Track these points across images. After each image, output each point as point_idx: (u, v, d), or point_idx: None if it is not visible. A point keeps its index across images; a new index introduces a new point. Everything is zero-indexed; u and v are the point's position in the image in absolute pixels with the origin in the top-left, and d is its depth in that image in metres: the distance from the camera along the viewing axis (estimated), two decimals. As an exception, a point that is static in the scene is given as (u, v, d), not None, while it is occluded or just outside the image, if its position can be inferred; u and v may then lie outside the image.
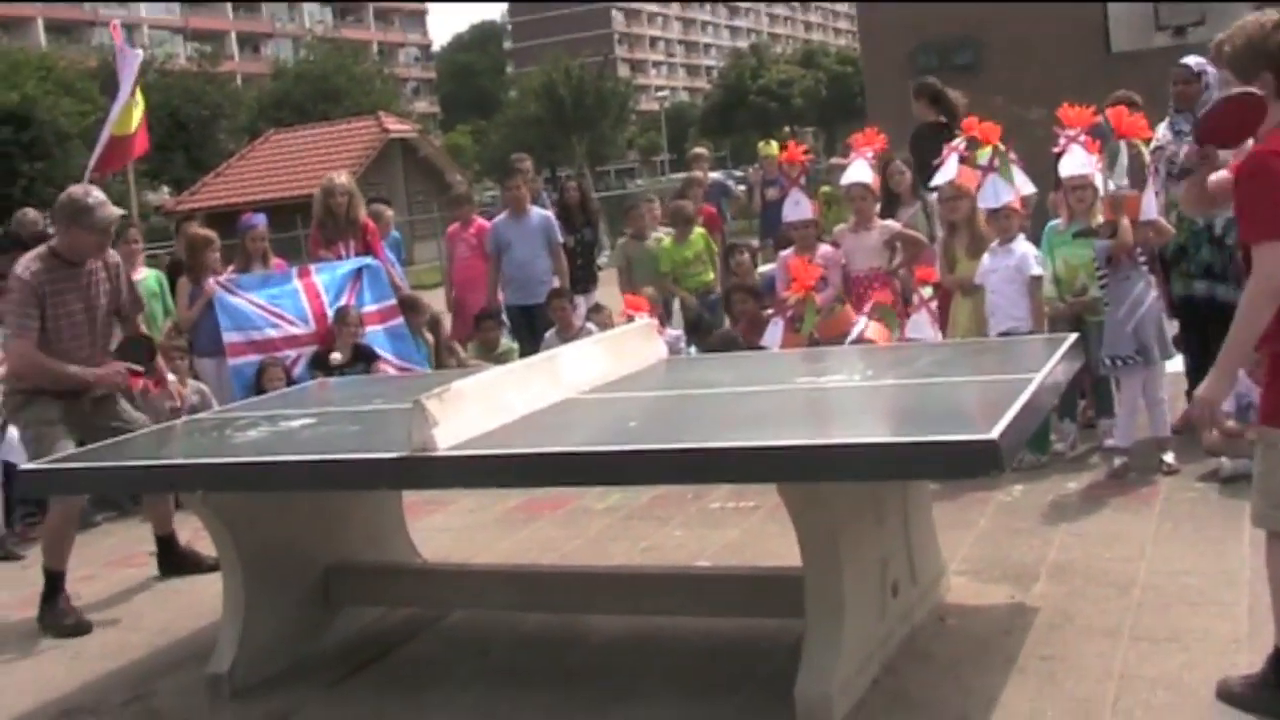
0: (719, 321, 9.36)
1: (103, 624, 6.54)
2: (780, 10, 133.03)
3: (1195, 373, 7.38)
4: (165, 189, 50.01)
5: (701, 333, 9.32)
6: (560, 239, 10.74)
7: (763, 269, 9.72)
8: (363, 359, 9.13)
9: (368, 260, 9.79)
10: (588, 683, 5.06)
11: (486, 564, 6.55)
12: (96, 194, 6.55)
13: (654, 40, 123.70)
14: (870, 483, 4.58)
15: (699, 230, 10.89)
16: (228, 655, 5.35)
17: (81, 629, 6.44)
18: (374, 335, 9.50)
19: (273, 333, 9.27)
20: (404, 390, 6.17)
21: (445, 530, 7.41)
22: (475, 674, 5.32)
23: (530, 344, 9.88)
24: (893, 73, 13.88)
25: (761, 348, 8.26)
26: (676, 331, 9.24)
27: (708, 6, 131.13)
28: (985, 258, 7.50)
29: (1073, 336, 5.53)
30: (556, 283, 10.54)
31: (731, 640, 5.30)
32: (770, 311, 8.76)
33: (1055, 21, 13.68)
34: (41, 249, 6.55)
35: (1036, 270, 7.34)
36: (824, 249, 8.68)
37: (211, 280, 9.33)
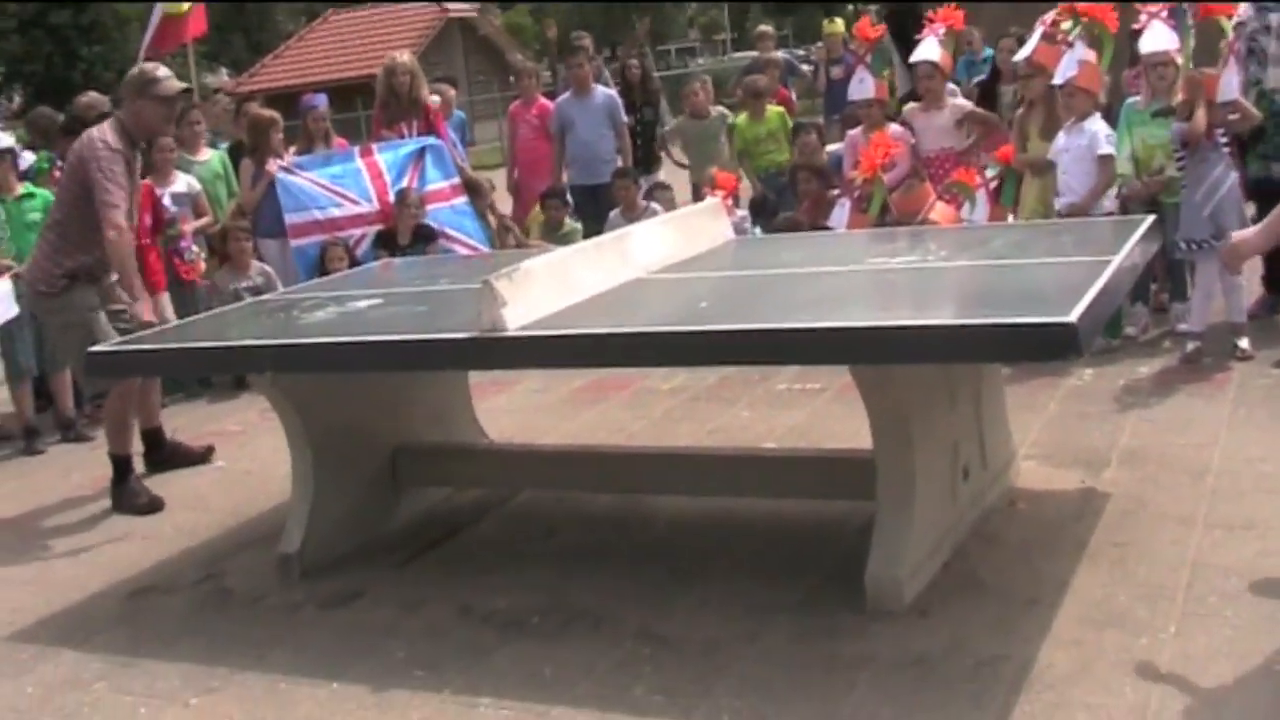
0: (789, 203, 9.24)
1: (173, 506, 6.62)
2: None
3: (1271, 258, 7.24)
4: (224, 71, 49.95)
5: (767, 214, 9.21)
6: (624, 118, 10.62)
7: (830, 148, 9.57)
8: (423, 239, 9.10)
9: (430, 140, 9.73)
10: (656, 564, 5.06)
11: (554, 445, 6.55)
12: (163, 69, 6.49)
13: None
14: (944, 366, 4.52)
15: (776, 108, 10.71)
16: (297, 535, 5.39)
17: (155, 506, 6.53)
18: (438, 213, 9.47)
19: (336, 212, 9.26)
20: (470, 270, 6.14)
21: (510, 411, 7.42)
22: (543, 555, 5.34)
23: (594, 224, 9.81)
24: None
25: (826, 228, 8.17)
26: (742, 212, 9.13)
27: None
28: (1060, 136, 7.34)
29: (1150, 218, 5.39)
30: (620, 162, 10.44)
31: (799, 523, 5.29)
32: (836, 192, 8.65)
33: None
34: (110, 121, 6.45)
35: (1105, 149, 7.17)
36: (893, 128, 8.54)
37: (273, 162, 9.30)
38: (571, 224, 10.07)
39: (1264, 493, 4.98)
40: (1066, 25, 7.46)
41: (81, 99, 10.31)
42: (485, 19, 43.94)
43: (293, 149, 9.84)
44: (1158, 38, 7.20)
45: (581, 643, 4.43)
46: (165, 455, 7.26)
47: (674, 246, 5.72)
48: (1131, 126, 7.31)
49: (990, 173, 8.08)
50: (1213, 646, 3.91)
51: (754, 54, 15.23)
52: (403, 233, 9.13)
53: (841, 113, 10.70)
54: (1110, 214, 6.97)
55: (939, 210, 7.57)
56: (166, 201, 8.93)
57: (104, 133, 6.35)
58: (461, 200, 9.72)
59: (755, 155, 10.43)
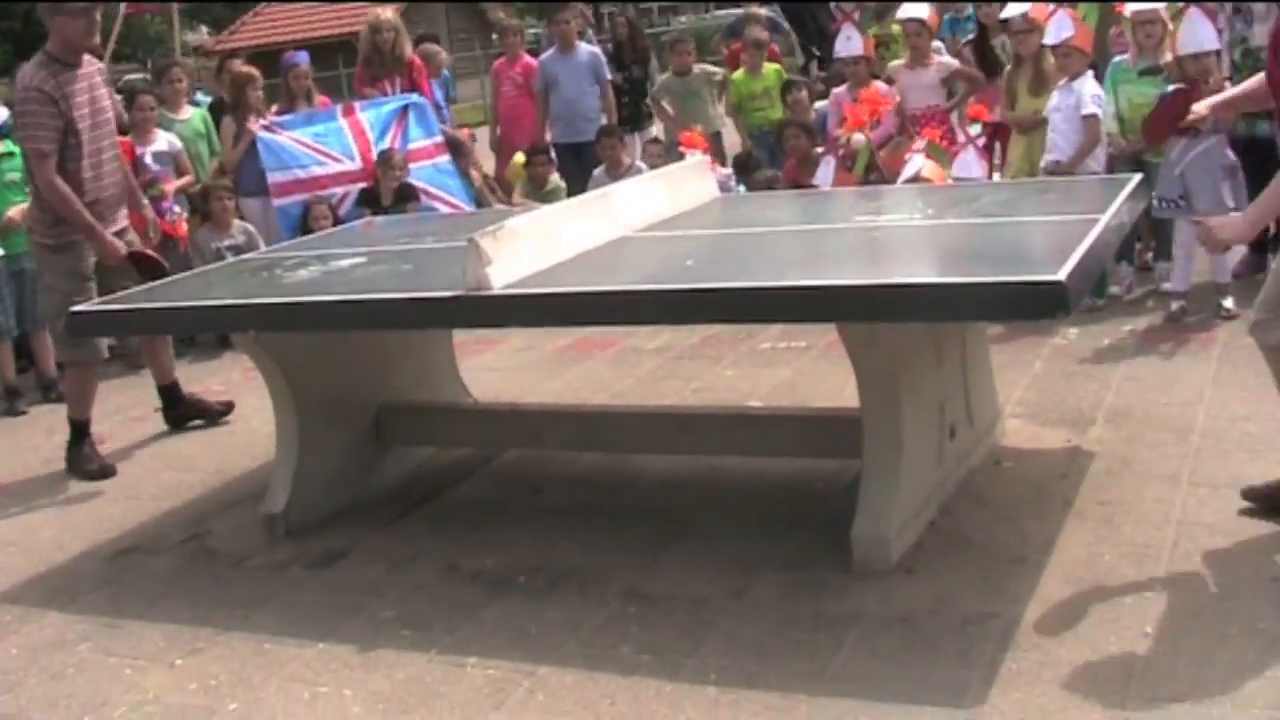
0: (778, 161, 9.21)
1: (156, 466, 6.62)
2: None
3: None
4: (204, 29, 49.53)
5: (751, 170, 9.18)
6: (609, 75, 10.55)
7: (815, 106, 9.53)
8: (404, 199, 9.05)
9: (413, 97, 9.67)
10: (642, 522, 5.06)
11: (539, 403, 6.54)
12: None
13: None
14: (931, 324, 4.51)
15: (773, 66, 10.63)
16: (282, 495, 5.38)
17: (106, 473, 6.49)
18: (421, 170, 9.42)
19: (318, 170, 9.20)
20: (455, 228, 6.11)
21: (494, 370, 7.40)
22: (529, 513, 5.33)
23: (578, 182, 9.77)
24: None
25: (812, 186, 8.15)
26: (726, 170, 9.11)
27: None
28: (1054, 94, 7.31)
29: (1137, 177, 5.38)
30: (604, 120, 10.39)
31: (786, 481, 5.29)
32: (821, 150, 8.63)
33: None
34: (36, 56, 6.19)
35: (1090, 109, 7.14)
36: (879, 86, 8.51)
37: (254, 121, 9.23)
38: (556, 182, 10.02)
39: (1248, 451, 4.98)
40: None
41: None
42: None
43: (274, 107, 9.76)
44: (1144, -4, 7.18)
45: (568, 601, 4.43)
46: (184, 410, 7.21)
47: (659, 204, 5.69)
48: (1118, 85, 7.29)
49: (974, 129, 8.05)
50: (1198, 605, 3.92)
51: (738, 10, 15.15)
52: (385, 193, 9.08)
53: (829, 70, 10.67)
54: (1095, 174, 6.95)
55: (929, 168, 7.55)
56: (148, 160, 8.86)
57: (24, 73, 6.18)
58: (445, 158, 9.66)
59: (748, 111, 10.37)
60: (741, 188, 8.64)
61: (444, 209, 9.21)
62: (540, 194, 9.70)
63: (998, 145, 8.30)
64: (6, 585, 5.23)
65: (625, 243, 5.17)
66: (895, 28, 9.89)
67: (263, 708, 4.01)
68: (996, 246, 4.56)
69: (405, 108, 9.55)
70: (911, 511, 4.51)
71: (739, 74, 10.53)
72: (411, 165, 9.37)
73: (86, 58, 6.33)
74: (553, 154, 10.40)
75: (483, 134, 12.01)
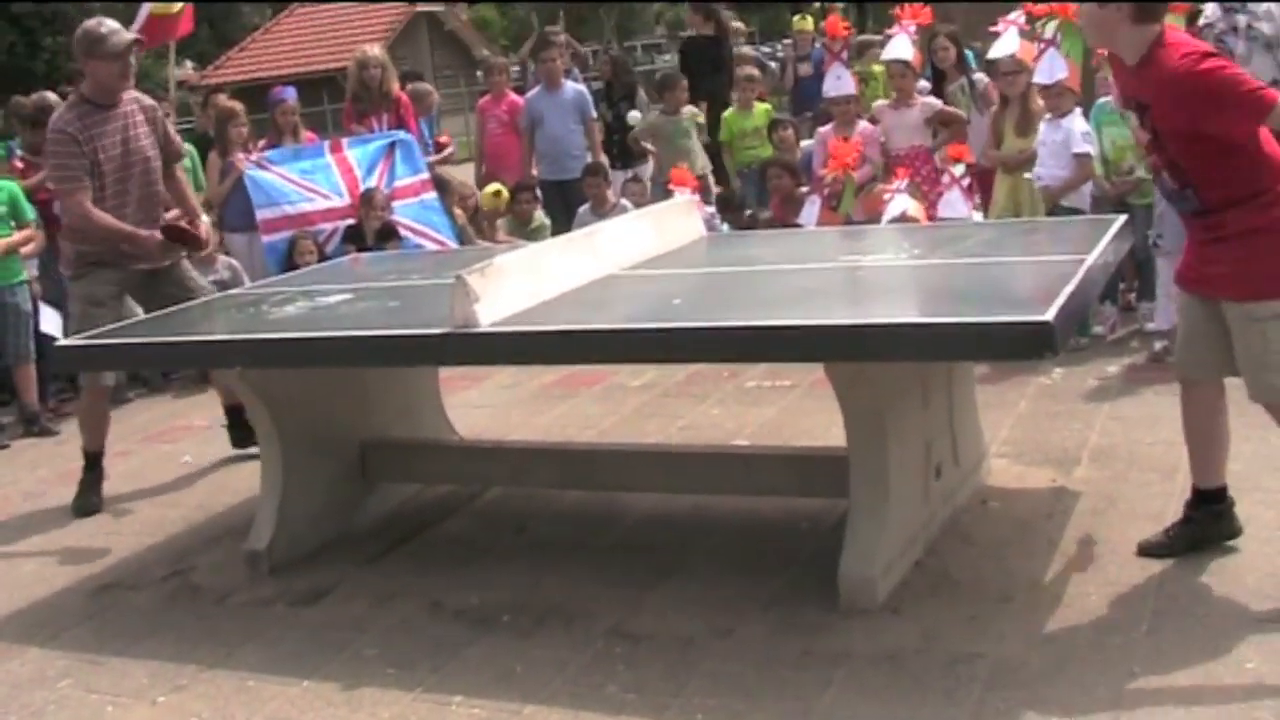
0: (764, 200, 9.25)
1: (140, 501, 6.58)
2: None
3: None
4: (189, 63, 49.61)
5: (734, 209, 9.20)
6: (594, 113, 10.58)
7: (801, 145, 9.57)
8: (385, 238, 9.04)
9: (400, 134, 9.68)
10: (628, 561, 5.05)
11: (523, 440, 6.53)
12: (109, 22, 6.27)
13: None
14: (917, 364, 4.52)
15: (763, 105, 10.68)
16: (266, 531, 5.36)
17: (85, 510, 6.46)
18: (407, 208, 9.41)
19: (307, 206, 9.18)
20: (441, 265, 6.11)
21: (480, 406, 7.39)
22: (513, 551, 5.31)
23: (563, 219, 9.79)
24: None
25: (796, 225, 8.18)
26: (711, 209, 9.13)
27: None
28: (1042, 128, 7.35)
29: (1122, 218, 5.41)
30: (589, 158, 10.41)
31: (771, 520, 5.28)
32: (807, 189, 8.66)
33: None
34: (71, 96, 6.31)
35: (1081, 148, 7.19)
36: (863, 126, 8.55)
37: (241, 157, 9.22)
38: (541, 219, 10.04)
39: (1232, 492, 4.98)
40: (1050, 25, 7.48)
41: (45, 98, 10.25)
42: (452, 13, 43.83)
43: (261, 142, 9.76)
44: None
45: (553, 640, 4.41)
46: (247, 433, 6.96)
47: (646, 243, 5.70)
48: (1101, 126, 7.33)
49: (958, 170, 8.08)
50: (1183, 643, 3.92)
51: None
52: (368, 232, 9.07)
53: (812, 110, 10.72)
54: (1083, 212, 6.99)
55: (915, 208, 7.57)
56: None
57: (57, 115, 6.27)
58: (431, 195, 9.66)
59: (739, 150, 10.40)
60: (725, 226, 8.66)
61: (429, 245, 9.21)
62: (525, 231, 9.73)
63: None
64: (-13, 621, 5.21)
65: (612, 281, 5.18)
66: (875, 66, 9.97)
67: (246, 746, 3.99)
68: (983, 286, 4.57)
69: (392, 144, 9.55)
70: (898, 551, 4.51)
71: (730, 112, 10.57)
72: (397, 202, 9.36)
73: (132, 95, 6.36)
74: (538, 191, 10.41)
75: (467, 170, 12.03)
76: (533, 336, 4.40)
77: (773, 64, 14.70)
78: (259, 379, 5.33)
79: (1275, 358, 4.17)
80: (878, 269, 5.11)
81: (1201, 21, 7.25)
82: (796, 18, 14.44)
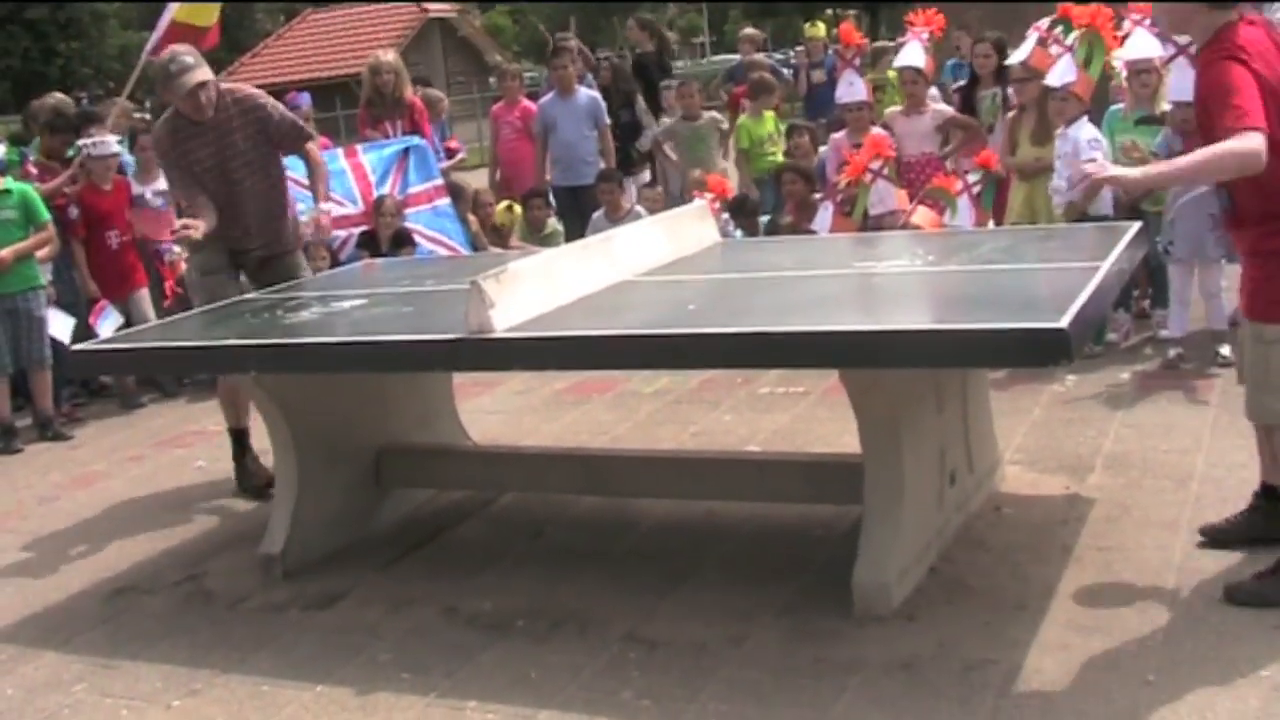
0: (779, 205, 9.26)
1: (153, 505, 6.61)
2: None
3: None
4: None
5: (746, 215, 9.20)
6: (608, 120, 10.60)
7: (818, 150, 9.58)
8: (398, 245, 9.06)
9: (414, 140, 9.70)
10: (642, 567, 5.05)
11: (538, 446, 6.53)
12: (181, 58, 6.17)
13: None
14: (932, 370, 4.52)
15: (769, 112, 10.71)
16: (280, 536, 5.37)
17: (263, 494, 6.38)
18: (419, 214, 9.43)
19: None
20: (455, 271, 6.12)
21: (493, 412, 7.40)
22: (528, 556, 5.32)
23: (576, 225, 9.80)
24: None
25: (810, 232, 8.18)
26: (724, 215, 9.12)
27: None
28: (1056, 142, 7.35)
29: (1136, 225, 5.40)
30: (602, 164, 10.42)
31: (785, 526, 5.28)
32: (820, 195, 8.66)
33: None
34: (169, 110, 6.35)
35: (1089, 155, 7.15)
36: (875, 132, 8.55)
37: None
38: (553, 225, 10.06)
39: (1247, 499, 4.97)
40: (1070, 34, 7.46)
41: (45, 100, 10.28)
42: (465, 19, 43.87)
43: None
44: (1140, 45, 7.22)
45: (568, 645, 4.42)
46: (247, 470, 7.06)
47: (661, 249, 5.71)
48: (1114, 134, 7.32)
49: (973, 178, 8.09)
50: (1199, 652, 3.91)
51: (735, 57, 15.23)
52: (382, 239, 9.08)
53: (827, 116, 10.73)
54: (1106, 216, 6.97)
55: (921, 214, 7.58)
56: (149, 198, 8.91)
57: (156, 133, 6.46)
58: (444, 201, 9.67)
59: (756, 156, 10.42)
60: (739, 232, 8.66)
61: (442, 252, 9.22)
62: (538, 237, 9.74)
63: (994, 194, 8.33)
64: (2, 624, 5.22)
65: (626, 287, 5.18)
66: (891, 73, 9.97)
67: (261, 750, 4.00)
68: (998, 293, 4.56)
69: (406, 151, 9.57)
70: (912, 557, 4.51)
71: (745, 118, 10.57)
72: (410, 209, 9.38)
73: (232, 99, 6.36)
74: (551, 197, 10.43)
75: (480, 177, 12.05)
76: (548, 342, 4.40)
77: (786, 70, 14.73)
78: (274, 384, 5.34)
79: (1274, 380, 4.19)
80: (892, 275, 5.10)
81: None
82: (808, 25, 14.47)
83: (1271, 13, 6.89)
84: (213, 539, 5.98)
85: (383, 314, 5.50)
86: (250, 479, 6.55)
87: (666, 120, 11.39)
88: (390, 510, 5.86)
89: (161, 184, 8.95)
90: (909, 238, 6.57)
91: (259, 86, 6.96)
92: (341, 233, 9.17)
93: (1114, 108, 7.52)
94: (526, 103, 11.10)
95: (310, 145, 6.66)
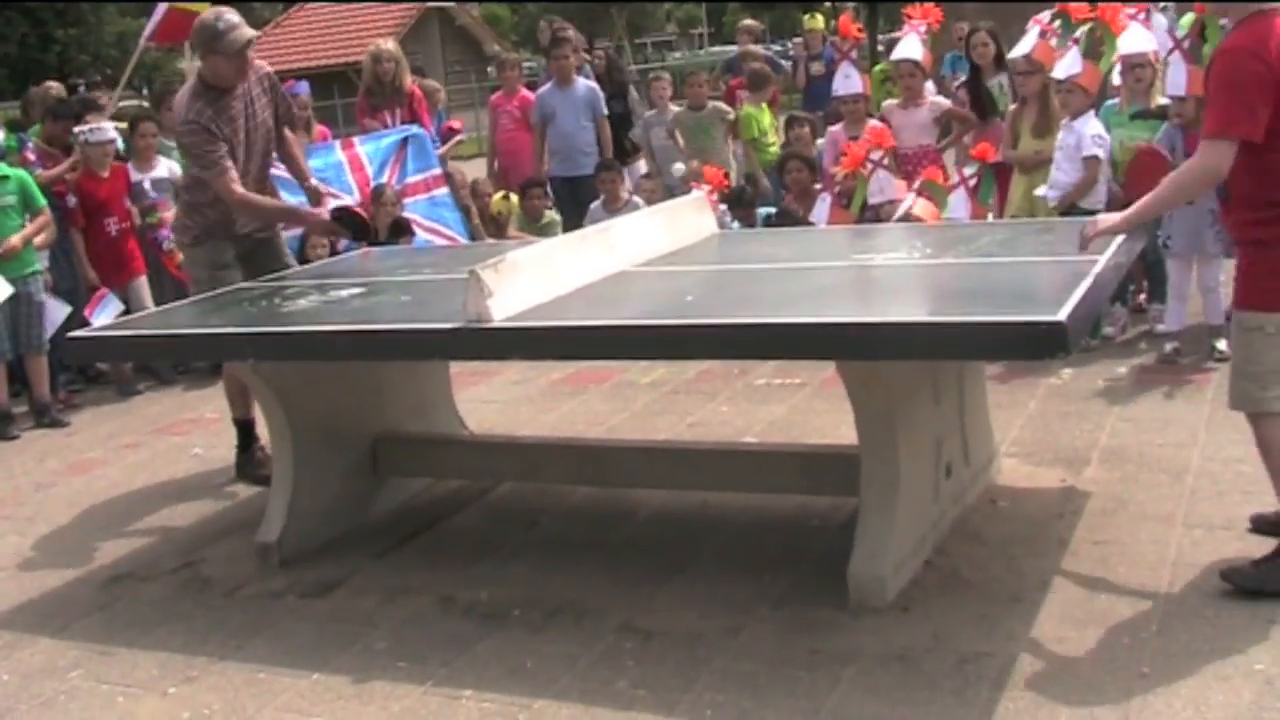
0: (780, 194, 9.27)
1: (150, 492, 6.60)
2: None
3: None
4: (200, 57, 49.51)
5: (743, 206, 9.20)
6: (605, 111, 10.59)
7: (815, 142, 9.58)
8: (397, 234, 9.05)
9: (413, 129, 9.69)
10: (638, 557, 5.06)
11: (535, 436, 6.54)
12: (228, 16, 6.16)
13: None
14: (929, 363, 4.53)
15: (765, 103, 10.71)
16: (277, 524, 5.37)
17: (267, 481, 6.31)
18: (416, 204, 9.42)
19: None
20: (452, 260, 6.13)
21: (490, 402, 7.41)
22: (525, 546, 5.32)
23: (574, 216, 9.80)
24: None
25: (809, 223, 8.18)
26: (721, 206, 9.12)
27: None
28: (1060, 133, 7.35)
29: (1133, 219, 5.39)
30: (599, 155, 10.41)
31: (781, 518, 5.29)
32: (818, 187, 8.66)
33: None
34: (192, 83, 6.31)
35: (1090, 151, 7.17)
36: (872, 125, 8.55)
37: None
38: (551, 215, 10.05)
39: (1243, 493, 4.99)
40: (1071, 29, 7.48)
41: (50, 90, 10.24)
42: (463, 9, 43.85)
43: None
44: (1136, 39, 7.23)
45: (564, 635, 4.42)
46: (250, 459, 6.93)
47: (659, 239, 5.71)
48: (1110, 129, 7.32)
49: (969, 170, 8.10)
50: (1194, 645, 3.92)
51: (734, 48, 15.21)
52: (380, 228, 9.07)
53: (824, 108, 10.72)
54: (1097, 212, 6.97)
55: (921, 206, 7.58)
56: (147, 186, 8.90)
57: (180, 104, 6.28)
58: (442, 191, 9.67)
59: (761, 147, 10.42)
60: (736, 224, 8.66)
61: (439, 241, 9.21)
62: (535, 227, 9.73)
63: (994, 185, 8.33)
64: (-2, 611, 5.23)
65: (625, 277, 5.18)
66: (879, 67, 9.98)
67: (257, 738, 4.00)
68: (996, 286, 4.57)
69: (404, 141, 9.55)
70: (908, 549, 4.52)
71: (749, 108, 10.56)
72: (407, 199, 9.37)
73: (256, 62, 6.37)
74: (549, 187, 10.42)
75: (478, 166, 12.03)
76: (546, 331, 4.41)
77: (785, 63, 14.72)
78: (271, 372, 5.34)
79: (1253, 368, 4.21)
80: (890, 268, 5.11)
81: (1221, 22, 7.26)
82: (807, 17, 14.46)
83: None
84: (209, 526, 5.98)
85: (381, 302, 5.51)
86: (256, 468, 6.52)
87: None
88: (387, 499, 5.86)
89: (159, 172, 8.96)
90: (907, 230, 6.58)
91: (257, 75, 6.92)
92: None
93: (1109, 103, 7.53)
94: (525, 92, 11.08)
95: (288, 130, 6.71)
